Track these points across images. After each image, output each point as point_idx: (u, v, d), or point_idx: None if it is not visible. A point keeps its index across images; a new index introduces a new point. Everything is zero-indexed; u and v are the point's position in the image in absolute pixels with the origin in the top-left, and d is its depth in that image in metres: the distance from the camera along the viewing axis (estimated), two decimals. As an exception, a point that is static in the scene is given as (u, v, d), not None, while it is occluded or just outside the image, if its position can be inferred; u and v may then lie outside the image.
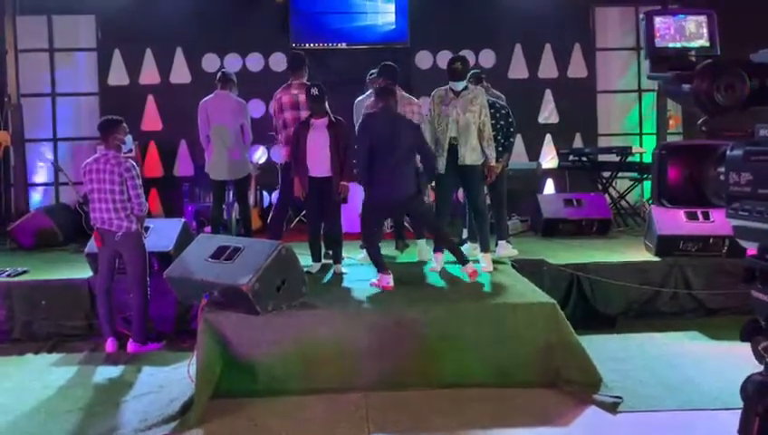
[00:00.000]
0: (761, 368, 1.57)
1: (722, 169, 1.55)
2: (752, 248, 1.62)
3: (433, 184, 5.51)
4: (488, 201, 5.83)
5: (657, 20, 1.56)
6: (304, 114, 5.67)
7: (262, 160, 8.67)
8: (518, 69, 9.53)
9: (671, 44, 1.57)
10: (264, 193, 8.90)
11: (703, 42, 1.57)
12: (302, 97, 5.74)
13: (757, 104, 1.46)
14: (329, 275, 5.37)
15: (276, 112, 5.92)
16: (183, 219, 6.21)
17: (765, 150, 1.43)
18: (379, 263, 4.92)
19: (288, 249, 4.35)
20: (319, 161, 5.24)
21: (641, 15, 1.61)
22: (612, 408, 3.86)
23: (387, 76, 5.66)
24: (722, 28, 1.61)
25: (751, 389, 1.54)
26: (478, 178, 5.39)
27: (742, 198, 1.48)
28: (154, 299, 5.09)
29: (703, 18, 1.58)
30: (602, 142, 9.50)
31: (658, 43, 1.56)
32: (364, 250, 5.97)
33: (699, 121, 1.52)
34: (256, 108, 8.53)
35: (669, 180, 1.62)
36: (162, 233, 5.61)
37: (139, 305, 4.96)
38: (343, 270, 5.44)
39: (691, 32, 1.57)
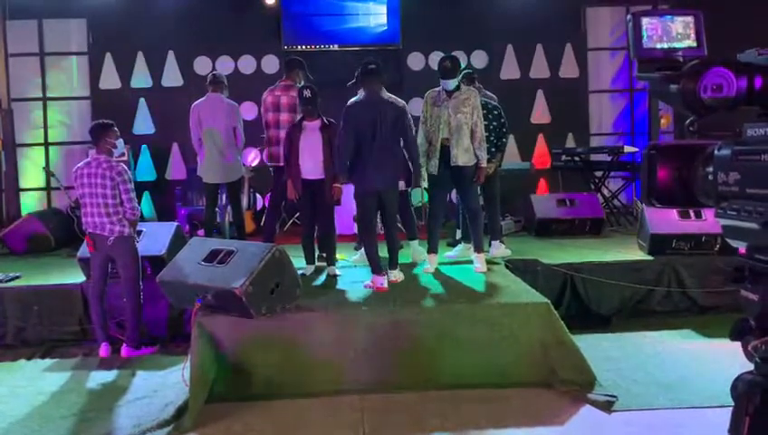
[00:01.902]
0: (752, 366, 1.58)
1: (710, 169, 1.56)
2: (741, 247, 1.63)
3: (426, 185, 5.51)
4: (481, 201, 5.83)
5: (644, 21, 1.57)
6: (285, 116, 5.71)
7: (255, 163, 8.66)
8: (510, 69, 9.54)
9: (658, 45, 1.57)
10: (258, 196, 8.89)
11: (690, 42, 1.58)
12: (284, 99, 5.78)
13: (744, 104, 1.46)
14: (323, 278, 5.37)
15: (262, 113, 5.98)
16: (176, 223, 6.19)
17: (753, 150, 1.43)
18: (375, 263, 4.92)
19: (281, 251, 4.34)
20: (312, 164, 5.24)
21: (628, 17, 1.61)
22: (606, 407, 3.87)
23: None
24: (709, 29, 1.62)
25: (741, 388, 1.54)
26: (471, 179, 5.40)
27: (730, 198, 1.49)
28: (147, 303, 5.08)
29: (690, 19, 1.58)
30: (594, 142, 9.52)
31: (646, 43, 1.57)
32: (358, 252, 5.98)
33: (687, 122, 1.53)
34: (248, 110, 8.51)
35: (659, 180, 1.63)
36: (155, 237, 5.60)
37: (133, 310, 4.95)
38: (337, 272, 5.44)
39: (678, 32, 1.58)
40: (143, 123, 9.23)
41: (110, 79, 9.15)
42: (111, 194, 4.83)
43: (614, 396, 3.95)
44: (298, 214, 6.68)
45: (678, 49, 1.58)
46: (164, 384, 4.37)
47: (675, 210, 5.89)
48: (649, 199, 1.66)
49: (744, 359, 1.62)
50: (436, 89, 5.40)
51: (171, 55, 9.19)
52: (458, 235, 6.46)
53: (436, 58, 8.23)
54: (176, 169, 9.30)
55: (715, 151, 1.53)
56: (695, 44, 1.58)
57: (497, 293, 4.73)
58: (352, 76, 6.03)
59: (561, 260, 5.88)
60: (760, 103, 1.49)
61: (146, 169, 9.26)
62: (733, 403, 1.60)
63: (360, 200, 5.00)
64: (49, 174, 8.85)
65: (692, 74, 1.45)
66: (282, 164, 5.65)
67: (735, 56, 1.50)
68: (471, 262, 5.50)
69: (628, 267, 5.79)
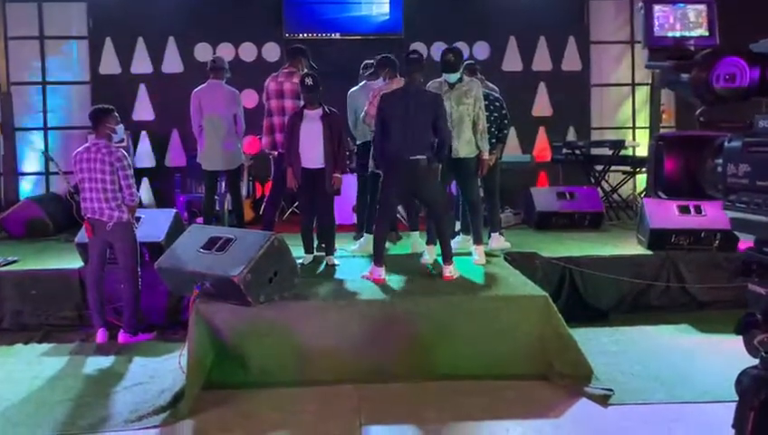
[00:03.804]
0: (752, 362, 1.56)
1: (719, 161, 1.54)
2: (745, 241, 1.61)
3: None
4: (481, 193, 5.81)
5: (657, 8, 1.55)
6: (289, 103, 5.67)
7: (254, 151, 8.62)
8: (512, 61, 9.49)
9: (670, 33, 1.55)
10: (257, 184, 8.86)
11: (702, 31, 1.55)
12: (287, 86, 5.74)
13: (757, 95, 1.44)
14: (321, 267, 5.35)
15: (264, 101, 5.92)
16: (174, 210, 6.17)
17: (764, 142, 1.42)
18: (379, 253, 4.88)
19: (280, 240, 4.33)
20: (312, 152, 5.20)
21: (639, 4, 1.59)
22: (603, 400, 3.86)
23: (391, 68, 5.72)
24: (722, 17, 1.60)
25: (746, 382, 1.53)
26: (472, 171, 5.38)
27: (739, 190, 1.47)
28: (145, 290, 5.07)
29: (702, 7, 1.56)
30: (595, 136, 9.49)
31: (657, 31, 1.55)
32: (357, 241, 5.97)
33: (697, 112, 1.51)
34: (249, 98, 8.46)
35: (666, 171, 1.61)
36: (153, 223, 5.58)
37: (130, 296, 4.93)
38: (335, 262, 5.42)
39: (690, 21, 1.55)
40: (143, 109, 9.18)
41: (110, 64, 9.09)
42: (110, 179, 4.80)
43: (611, 390, 3.95)
44: (297, 203, 6.64)
45: (690, 38, 1.55)
46: (161, 371, 4.36)
47: (674, 205, 5.89)
48: (656, 191, 1.64)
49: (742, 355, 1.61)
50: (438, 80, 5.36)
51: (172, 41, 9.13)
52: (457, 226, 6.44)
53: (438, 49, 8.21)
54: (175, 156, 9.26)
55: (726, 143, 1.51)
56: (707, 33, 1.56)
57: (496, 285, 4.72)
58: (354, 65, 6.01)
59: (560, 253, 5.86)
60: (773, 94, 1.47)
61: (145, 156, 9.21)
62: (734, 398, 1.59)
63: (385, 174, 4.95)
64: (48, 159, 8.81)
65: (704, 63, 1.43)
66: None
67: (748, 46, 1.48)
68: (470, 254, 5.48)
69: (627, 262, 5.77)
